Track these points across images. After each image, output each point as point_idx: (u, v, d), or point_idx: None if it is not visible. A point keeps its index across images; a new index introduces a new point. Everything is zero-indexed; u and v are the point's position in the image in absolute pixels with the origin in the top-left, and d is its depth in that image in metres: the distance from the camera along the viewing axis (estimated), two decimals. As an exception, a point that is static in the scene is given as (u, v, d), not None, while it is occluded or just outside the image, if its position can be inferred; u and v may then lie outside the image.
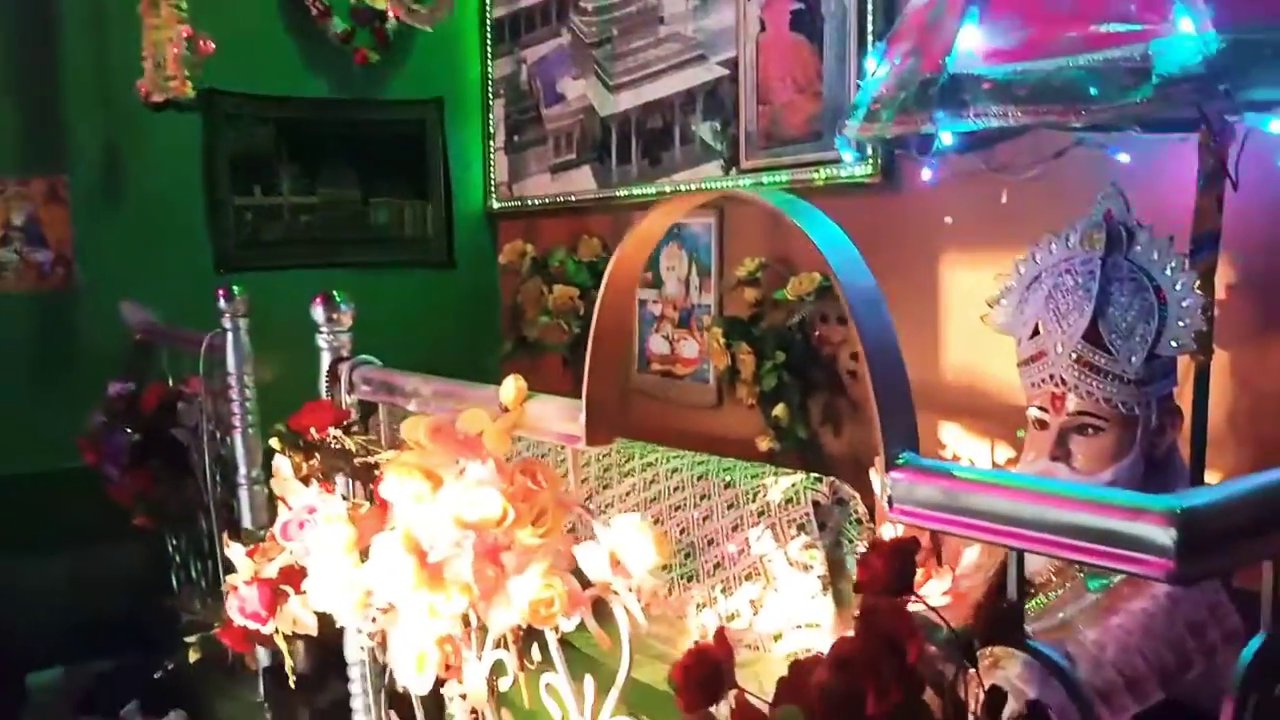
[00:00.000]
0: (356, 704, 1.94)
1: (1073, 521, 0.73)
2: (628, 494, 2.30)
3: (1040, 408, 1.38)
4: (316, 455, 1.57)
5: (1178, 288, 1.30)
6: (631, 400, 3.34)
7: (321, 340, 1.94)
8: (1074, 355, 1.33)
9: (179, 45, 3.01)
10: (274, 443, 1.53)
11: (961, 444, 2.31)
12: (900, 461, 0.87)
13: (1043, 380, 1.36)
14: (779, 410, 2.49)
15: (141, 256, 3.54)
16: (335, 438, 1.57)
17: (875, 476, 0.98)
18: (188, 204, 3.74)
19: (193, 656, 1.56)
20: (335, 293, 2.01)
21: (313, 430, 1.55)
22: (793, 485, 1.94)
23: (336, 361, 1.90)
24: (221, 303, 2.58)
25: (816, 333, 2.55)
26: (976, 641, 0.80)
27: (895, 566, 0.84)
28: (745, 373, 2.53)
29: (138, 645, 2.98)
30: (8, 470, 3.19)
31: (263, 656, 2.21)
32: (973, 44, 1.22)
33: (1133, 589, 1.26)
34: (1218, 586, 1.28)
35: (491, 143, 4.03)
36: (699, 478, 2.15)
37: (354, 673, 1.92)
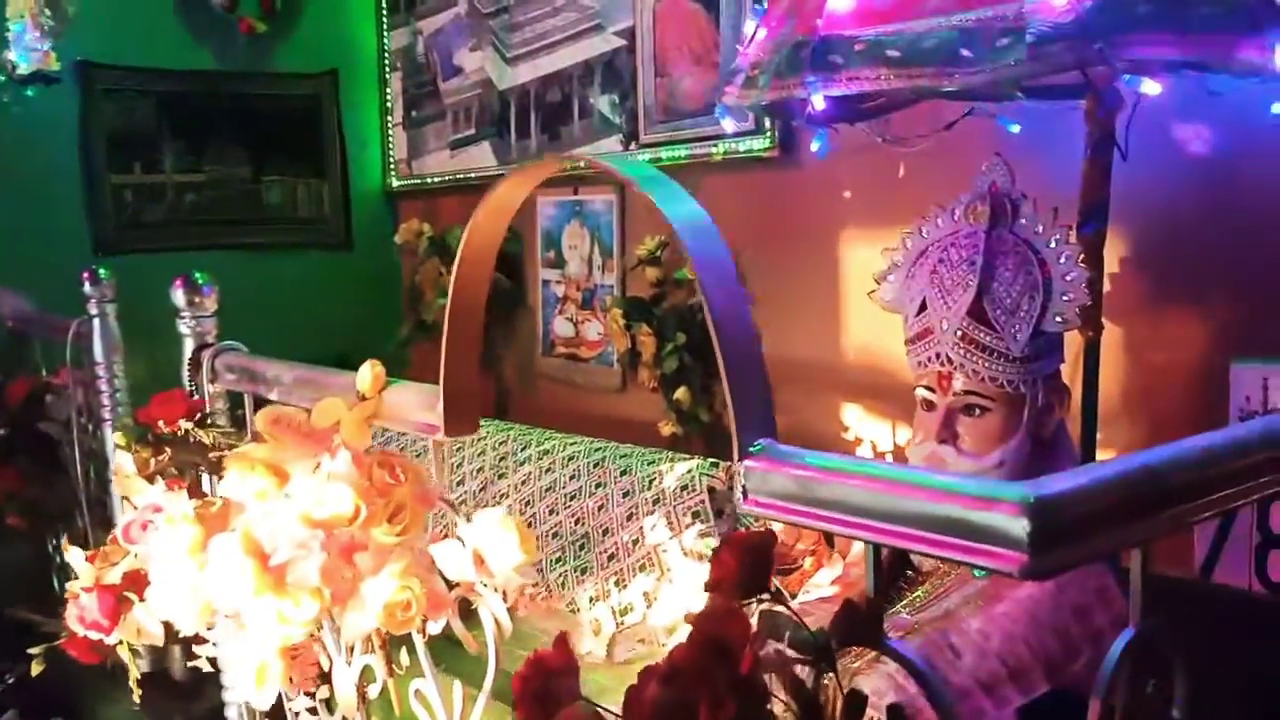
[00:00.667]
0: (231, 713, 1.84)
1: (925, 512, 0.68)
2: (523, 483, 2.22)
3: (927, 387, 1.34)
4: (166, 450, 1.47)
5: (1061, 261, 1.26)
6: (537, 385, 3.27)
7: (184, 326, 1.83)
8: (959, 333, 1.29)
9: (38, 14, 2.83)
10: (117, 438, 1.43)
11: (864, 426, 2.28)
12: (755, 450, 0.81)
13: (929, 359, 1.32)
14: (680, 394, 2.43)
15: (14, 239, 3.34)
16: (188, 431, 1.47)
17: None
18: (64, 183, 3.55)
19: (35, 669, 1.44)
20: (198, 274, 1.89)
21: (161, 424, 1.45)
22: (688, 471, 1.88)
23: (199, 349, 1.80)
24: (87, 287, 2.43)
25: None
26: (835, 643, 0.74)
27: (749, 563, 0.79)
28: (646, 355, 2.47)
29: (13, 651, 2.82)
30: None
31: (142, 663, 2.10)
32: (846, 5, 1.17)
33: (1019, 573, 1.22)
34: (1105, 569, 1.26)
35: (390, 118, 3.90)
36: (595, 465, 2.08)
37: (228, 680, 1.82)
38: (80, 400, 2.55)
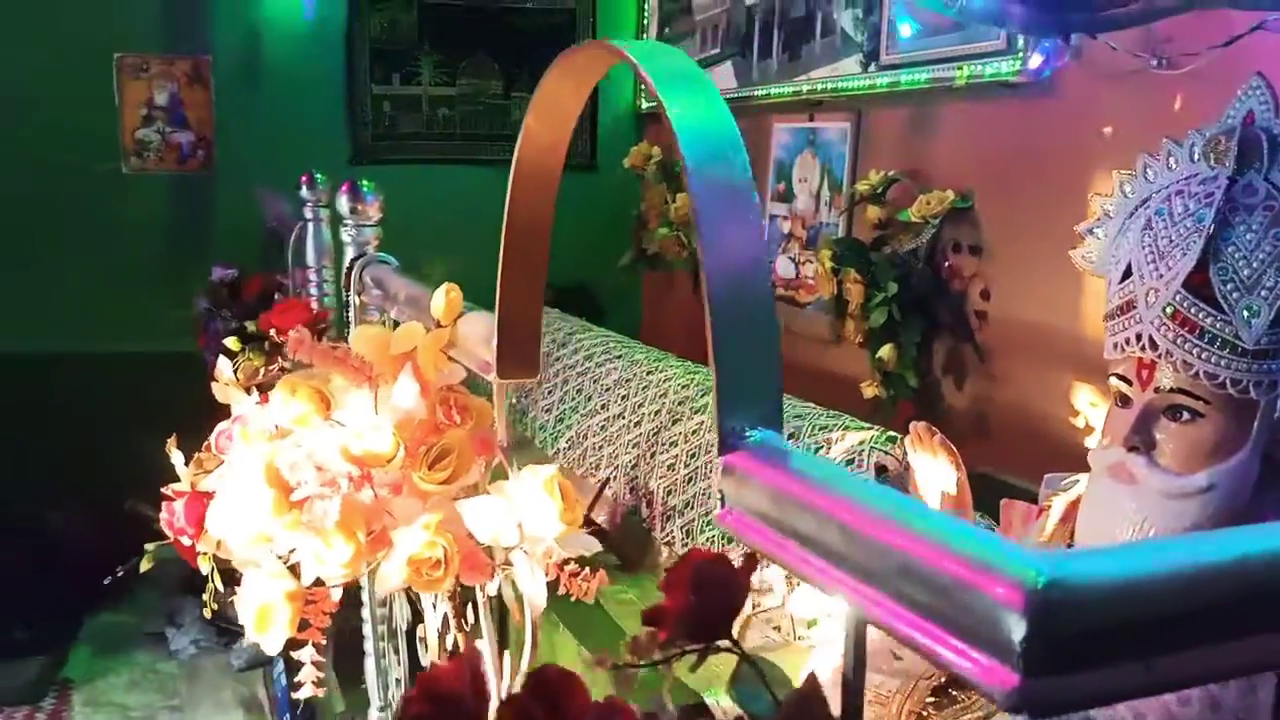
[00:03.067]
0: (368, 646, 1.83)
1: (909, 570, 0.45)
2: (693, 432, 2.06)
3: (1123, 377, 1.04)
4: (279, 359, 1.43)
5: None
6: None
7: (345, 234, 1.80)
8: (1169, 309, 0.98)
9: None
10: (230, 342, 1.40)
11: (1099, 413, 1.92)
12: (748, 440, 0.60)
13: (1128, 340, 1.02)
14: (885, 351, 2.16)
15: (279, 143, 3.53)
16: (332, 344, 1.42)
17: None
18: (328, 92, 3.71)
19: (145, 564, 1.46)
20: (364, 182, 1.85)
21: (274, 332, 1.41)
22: (860, 443, 1.64)
23: (356, 258, 1.76)
24: (304, 191, 2.49)
25: (947, 263, 2.19)
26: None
27: (707, 599, 0.59)
28: (853, 304, 2.21)
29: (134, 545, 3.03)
30: (138, 348, 3.27)
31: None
32: None
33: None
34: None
35: (645, 35, 3.77)
36: (768, 422, 1.88)
37: (365, 613, 1.81)
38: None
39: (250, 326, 2.87)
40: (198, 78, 3.58)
